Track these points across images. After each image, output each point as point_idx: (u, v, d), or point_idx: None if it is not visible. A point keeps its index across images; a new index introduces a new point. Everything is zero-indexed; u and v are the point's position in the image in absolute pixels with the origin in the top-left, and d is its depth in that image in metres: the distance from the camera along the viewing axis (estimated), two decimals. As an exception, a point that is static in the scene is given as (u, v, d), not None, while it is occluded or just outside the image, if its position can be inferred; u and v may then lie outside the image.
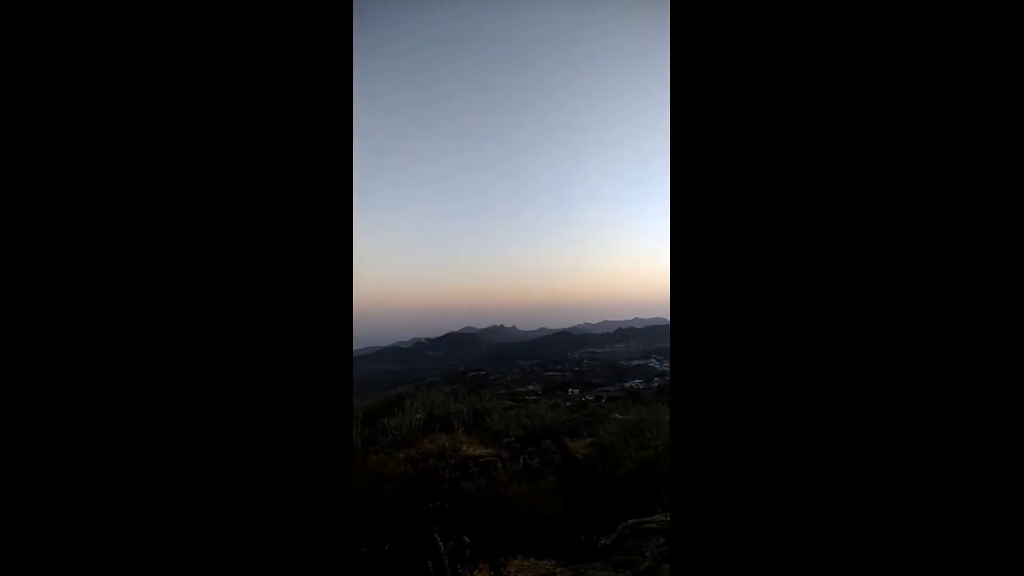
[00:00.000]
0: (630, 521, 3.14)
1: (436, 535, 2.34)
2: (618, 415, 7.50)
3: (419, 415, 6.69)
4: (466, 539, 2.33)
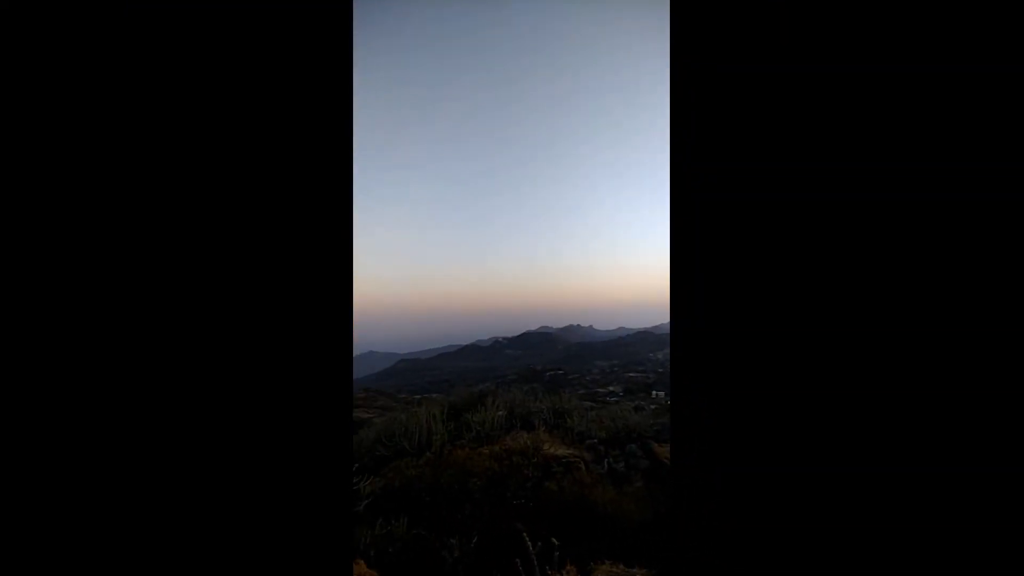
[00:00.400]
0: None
1: (525, 534, 2.34)
2: (709, 420, 7.00)
3: (501, 412, 6.79)
4: (555, 541, 2.30)
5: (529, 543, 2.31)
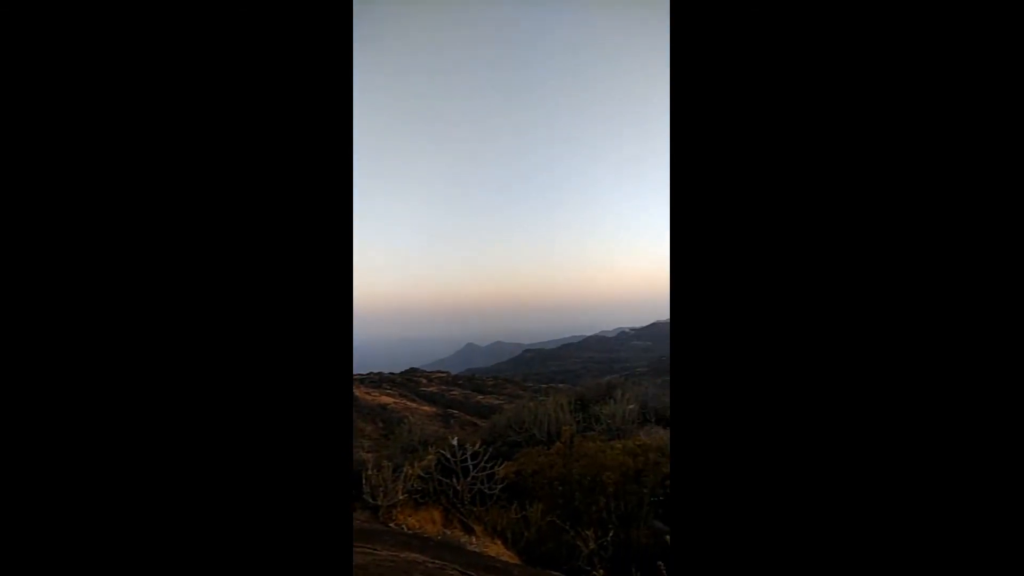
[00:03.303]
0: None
1: (667, 537, 2.16)
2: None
3: (632, 406, 6.52)
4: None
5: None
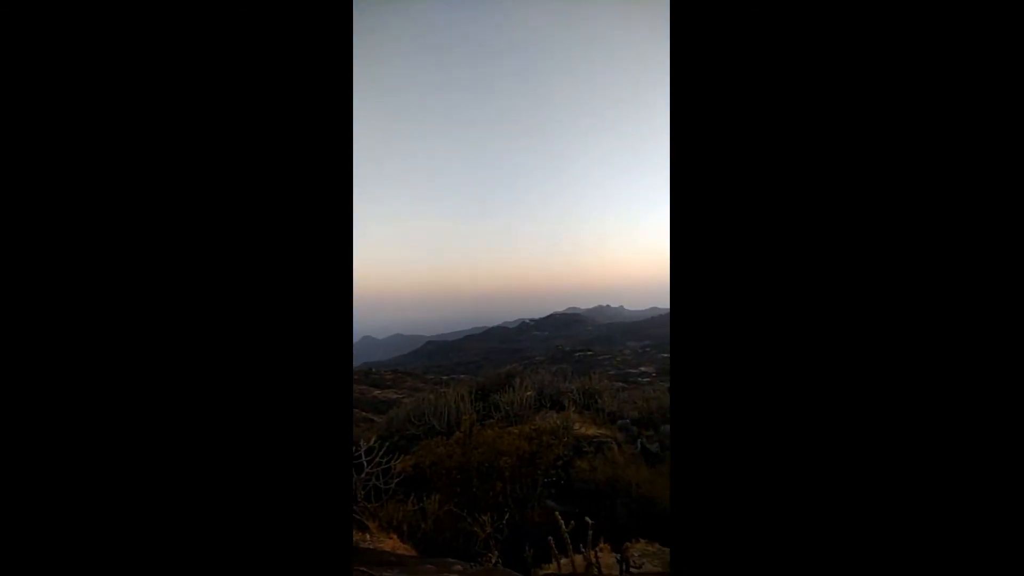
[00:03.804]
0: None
1: (557, 513, 2.28)
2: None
3: (529, 393, 6.77)
4: (589, 520, 2.24)
5: (562, 521, 2.25)
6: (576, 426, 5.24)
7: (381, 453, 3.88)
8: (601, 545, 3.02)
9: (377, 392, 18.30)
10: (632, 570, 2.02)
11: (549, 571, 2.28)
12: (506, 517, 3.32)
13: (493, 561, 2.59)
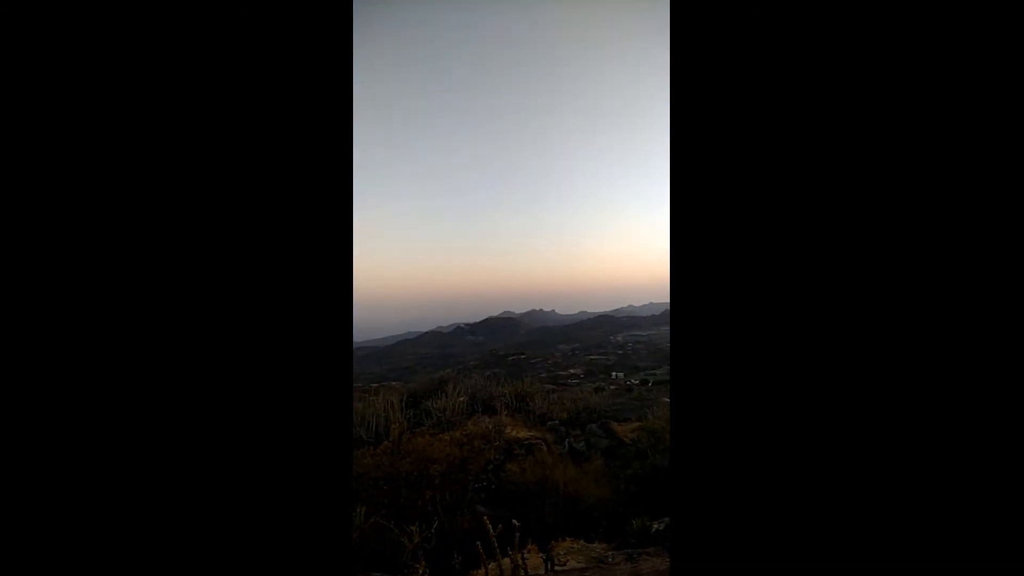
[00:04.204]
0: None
1: (485, 518, 2.30)
2: (666, 399, 7.26)
3: (462, 398, 6.74)
4: (515, 522, 2.28)
5: (489, 526, 2.27)
6: (508, 429, 5.29)
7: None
8: (529, 546, 3.08)
9: (301, 402, 17.17)
10: (556, 568, 2.08)
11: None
12: (435, 525, 3.28)
13: (420, 572, 2.55)
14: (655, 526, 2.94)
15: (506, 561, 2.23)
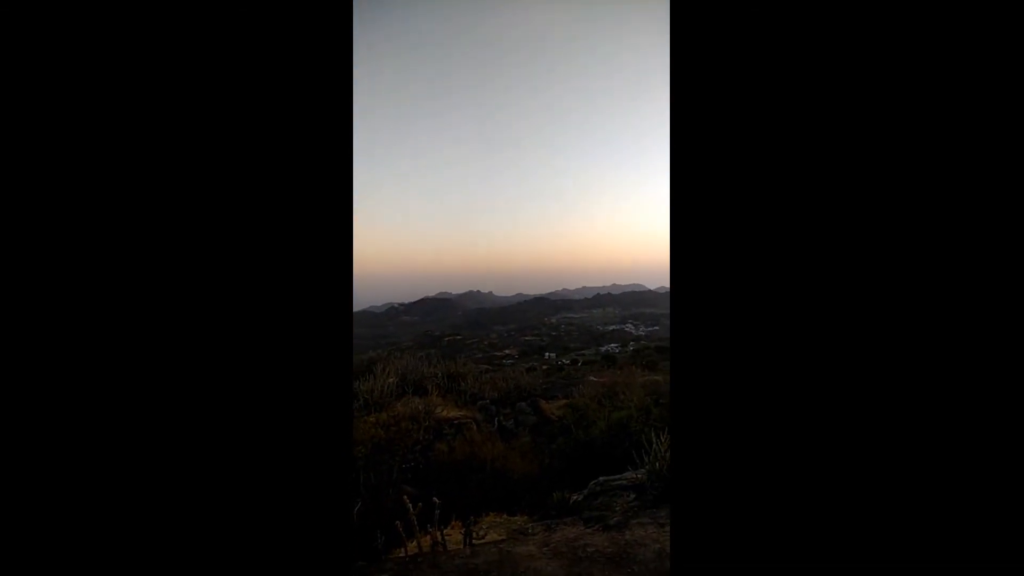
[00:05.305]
0: (601, 478, 3.18)
1: (404, 496, 2.28)
2: (593, 378, 7.59)
3: (391, 379, 6.60)
4: (435, 499, 2.29)
5: (409, 504, 2.26)
6: (439, 410, 5.27)
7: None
8: (453, 523, 3.11)
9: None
10: (474, 542, 2.12)
11: (397, 555, 2.28)
12: (357, 507, 3.21)
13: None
14: (573, 497, 3.08)
15: (426, 539, 2.24)
